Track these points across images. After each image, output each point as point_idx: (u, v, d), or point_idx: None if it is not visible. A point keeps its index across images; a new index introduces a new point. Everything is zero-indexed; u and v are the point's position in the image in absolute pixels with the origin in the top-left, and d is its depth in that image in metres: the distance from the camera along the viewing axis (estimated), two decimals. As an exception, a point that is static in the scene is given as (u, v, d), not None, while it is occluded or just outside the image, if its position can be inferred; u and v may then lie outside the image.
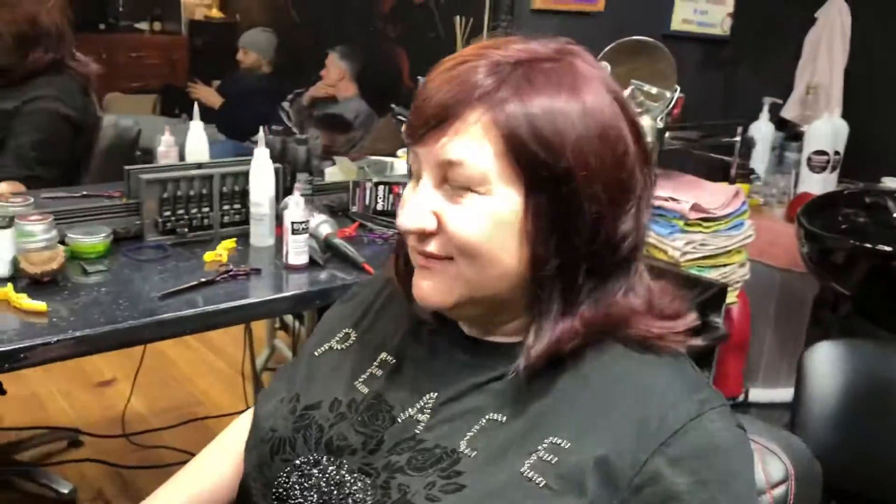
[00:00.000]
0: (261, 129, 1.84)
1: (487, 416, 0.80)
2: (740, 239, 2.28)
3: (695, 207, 2.18)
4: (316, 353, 1.00)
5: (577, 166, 0.75)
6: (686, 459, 0.73)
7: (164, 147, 2.10)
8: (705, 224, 2.20)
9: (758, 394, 2.83)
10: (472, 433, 0.80)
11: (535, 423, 0.77)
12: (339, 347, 0.99)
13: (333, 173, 2.17)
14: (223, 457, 1.07)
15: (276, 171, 1.87)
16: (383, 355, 0.93)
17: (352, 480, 0.83)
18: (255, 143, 1.83)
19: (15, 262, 1.55)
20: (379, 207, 2.12)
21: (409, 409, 0.85)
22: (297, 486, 0.86)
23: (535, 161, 0.75)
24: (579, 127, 0.76)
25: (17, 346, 1.32)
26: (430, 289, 0.82)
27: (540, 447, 0.75)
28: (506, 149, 0.76)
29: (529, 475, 0.74)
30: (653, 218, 2.19)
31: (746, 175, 2.91)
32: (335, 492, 0.84)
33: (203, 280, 1.61)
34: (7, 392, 2.57)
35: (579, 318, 0.79)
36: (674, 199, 2.19)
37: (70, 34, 2.38)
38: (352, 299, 1.06)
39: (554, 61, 0.78)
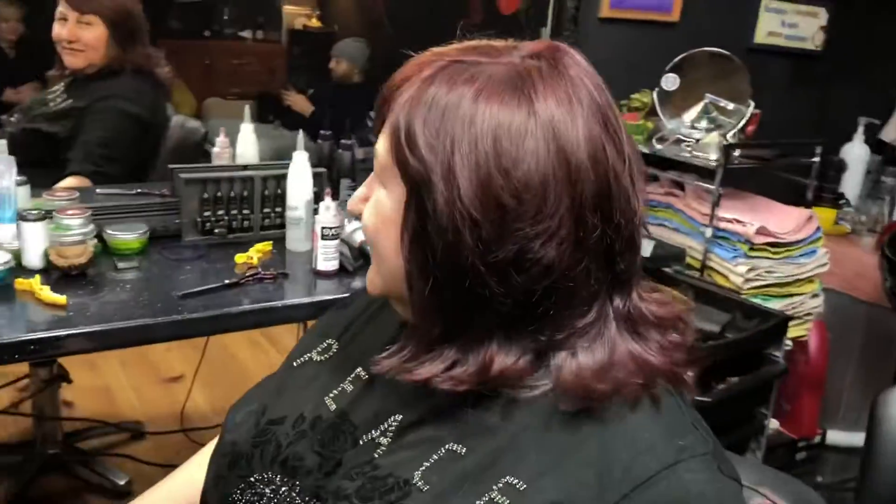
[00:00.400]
0: (300, 132, 1.83)
1: (447, 447, 0.74)
2: (812, 268, 2.12)
3: (761, 231, 2.04)
4: (294, 364, 0.96)
5: (442, 176, 0.68)
6: None
7: (219, 148, 2.13)
8: (773, 250, 2.05)
9: (836, 437, 2.62)
10: (428, 464, 0.74)
11: (493, 460, 0.71)
12: (318, 359, 0.95)
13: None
14: (199, 471, 1.04)
15: (320, 175, 1.85)
16: (359, 370, 0.88)
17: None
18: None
19: (46, 255, 1.58)
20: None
21: (373, 432, 0.80)
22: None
23: (402, 157, 0.71)
24: (458, 131, 0.68)
25: (27, 338, 1.33)
26: (367, 274, 0.83)
27: (494, 487, 0.69)
28: (390, 143, 0.73)
29: None
30: (715, 240, 2.08)
31: (834, 200, 2.71)
32: None
33: (227, 282, 1.60)
34: (80, 382, 2.65)
35: (475, 365, 0.72)
36: (738, 222, 2.05)
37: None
38: (345, 308, 1.02)
39: (507, 66, 0.71)
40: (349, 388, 0.87)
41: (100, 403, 2.99)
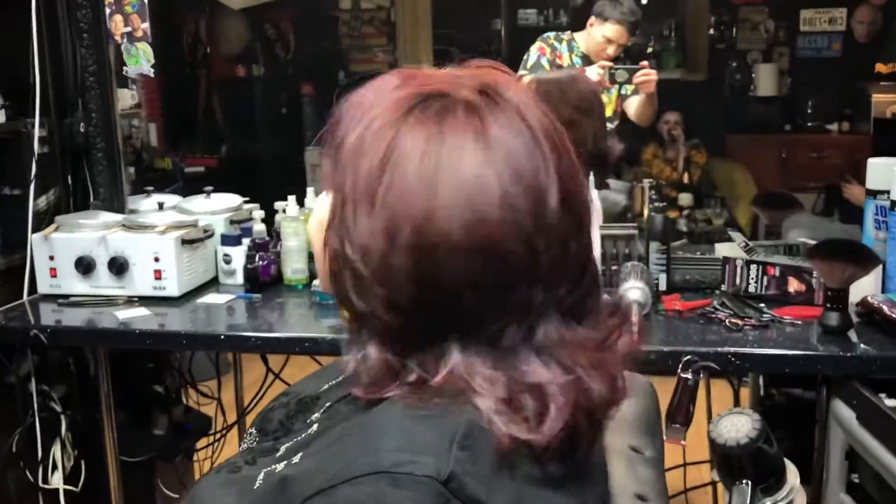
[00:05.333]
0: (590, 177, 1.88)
1: (315, 427, 0.88)
2: None
3: None
4: None
5: (348, 182, 0.72)
6: None
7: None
8: None
9: None
10: (298, 438, 0.89)
11: (309, 441, 0.83)
12: None
13: (723, 249, 2.00)
14: None
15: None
16: None
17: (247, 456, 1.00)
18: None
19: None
20: (751, 289, 1.88)
21: (318, 413, 0.93)
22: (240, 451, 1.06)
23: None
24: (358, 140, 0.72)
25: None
26: None
27: (283, 463, 0.79)
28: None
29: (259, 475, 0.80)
30: None
31: None
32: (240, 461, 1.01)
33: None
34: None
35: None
36: None
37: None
38: None
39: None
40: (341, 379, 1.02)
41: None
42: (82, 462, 2.18)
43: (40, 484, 2.10)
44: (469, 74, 0.75)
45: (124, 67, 2.20)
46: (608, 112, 3.25)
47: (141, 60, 2.15)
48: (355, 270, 0.71)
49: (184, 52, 5.90)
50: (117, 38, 2.16)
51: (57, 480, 2.12)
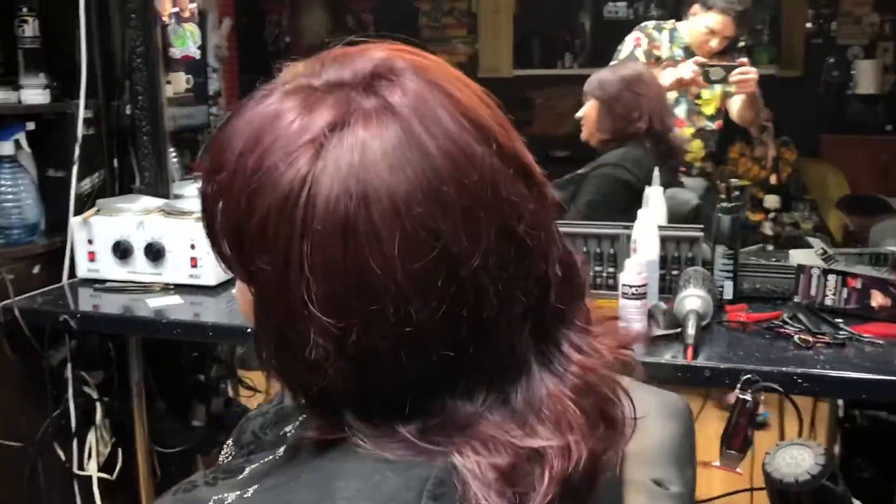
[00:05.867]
0: (649, 187, 1.72)
1: (281, 452, 0.80)
2: None
3: None
4: None
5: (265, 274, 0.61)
6: None
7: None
8: None
9: None
10: (265, 460, 0.80)
11: (273, 468, 0.73)
12: None
13: (798, 256, 1.81)
14: None
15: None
16: None
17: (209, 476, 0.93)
18: None
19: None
20: (828, 302, 1.68)
21: (291, 426, 0.86)
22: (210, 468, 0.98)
23: None
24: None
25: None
26: None
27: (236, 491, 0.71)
28: None
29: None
30: None
31: None
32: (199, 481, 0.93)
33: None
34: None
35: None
36: None
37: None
38: None
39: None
40: None
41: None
42: (119, 450, 2.14)
43: (75, 470, 2.07)
44: (361, 78, 0.60)
45: (170, 49, 2.14)
46: (710, 110, 3.04)
47: (188, 42, 2.08)
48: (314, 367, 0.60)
49: (266, 41, 5.92)
50: (165, 18, 2.10)
51: (92, 467, 2.09)
